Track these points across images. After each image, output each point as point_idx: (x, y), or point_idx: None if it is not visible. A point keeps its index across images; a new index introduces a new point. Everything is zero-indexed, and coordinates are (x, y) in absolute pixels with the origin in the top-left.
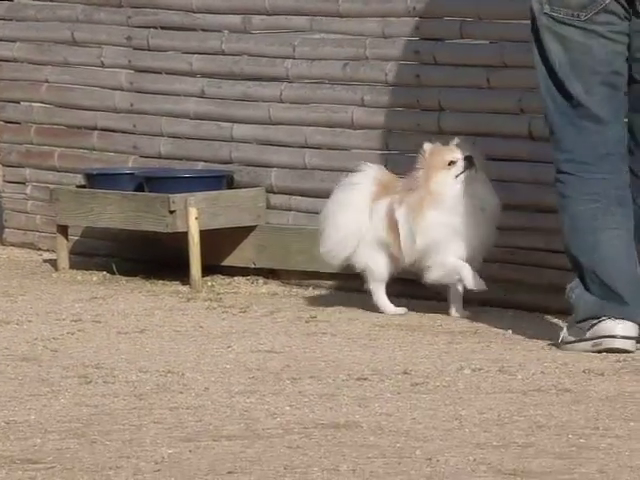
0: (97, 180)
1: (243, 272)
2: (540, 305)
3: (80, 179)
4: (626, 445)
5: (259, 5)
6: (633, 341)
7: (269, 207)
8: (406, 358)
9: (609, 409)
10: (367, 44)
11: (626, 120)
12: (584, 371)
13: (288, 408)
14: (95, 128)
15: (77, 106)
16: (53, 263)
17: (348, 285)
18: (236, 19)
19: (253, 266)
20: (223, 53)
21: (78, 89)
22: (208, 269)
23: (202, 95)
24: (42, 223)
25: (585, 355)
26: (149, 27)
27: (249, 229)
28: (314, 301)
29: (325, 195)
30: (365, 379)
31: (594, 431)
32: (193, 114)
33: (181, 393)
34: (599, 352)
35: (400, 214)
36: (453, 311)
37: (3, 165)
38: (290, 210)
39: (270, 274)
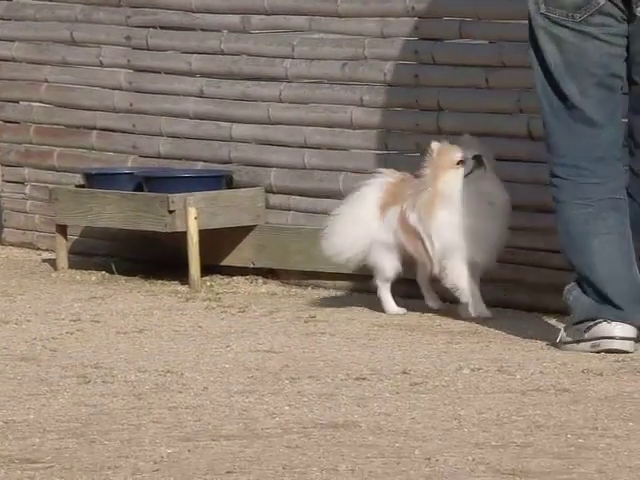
0: (96, 180)
1: (242, 272)
2: (539, 305)
3: (79, 179)
4: (625, 445)
5: (258, 5)
6: (632, 342)
7: (268, 207)
8: (405, 358)
9: (608, 409)
10: (366, 44)
11: (625, 120)
12: (583, 371)
13: (287, 408)
14: (94, 128)
15: (76, 106)
16: (52, 263)
17: (347, 285)
18: (235, 19)
19: (252, 266)
20: (222, 53)
21: (77, 89)
22: (207, 269)
23: (201, 95)
24: (41, 223)
25: (584, 355)
26: (148, 27)
27: (248, 229)
28: (313, 301)
29: (324, 195)
30: (364, 379)
31: (593, 431)
32: (192, 114)
33: (180, 393)
34: (598, 352)
35: (414, 219)
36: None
37: (2, 165)
38: (289, 210)
39: (269, 274)
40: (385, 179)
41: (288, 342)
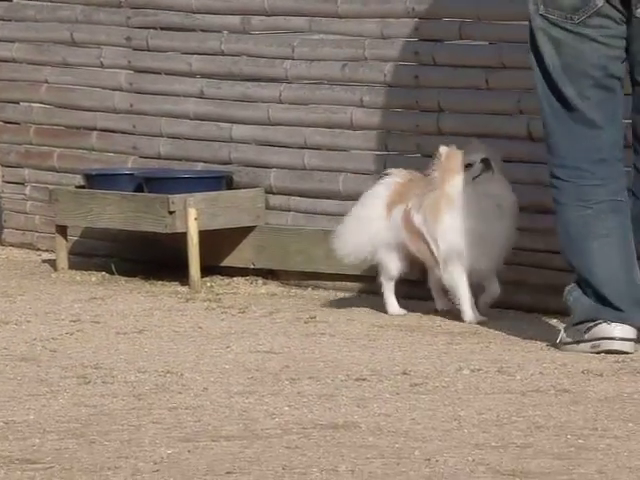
0: (96, 180)
1: (242, 272)
2: (540, 306)
3: (79, 179)
4: (625, 446)
5: (258, 6)
6: (632, 342)
7: (268, 208)
8: (405, 359)
9: (608, 410)
10: (366, 45)
11: (629, 121)
12: (583, 372)
13: (287, 408)
14: (94, 128)
15: (76, 106)
16: (52, 263)
17: (347, 286)
18: (235, 20)
19: (252, 266)
20: (222, 54)
21: (77, 89)
22: (207, 269)
23: (201, 96)
24: (41, 223)
25: (584, 356)
26: (148, 28)
27: (248, 229)
28: (313, 302)
29: (324, 196)
30: (364, 379)
31: (593, 432)
32: (192, 114)
33: (180, 393)
34: (598, 353)
35: (419, 220)
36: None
37: (2, 165)
38: (289, 211)
39: (269, 274)
40: (393, 179)
41: (288, 343)
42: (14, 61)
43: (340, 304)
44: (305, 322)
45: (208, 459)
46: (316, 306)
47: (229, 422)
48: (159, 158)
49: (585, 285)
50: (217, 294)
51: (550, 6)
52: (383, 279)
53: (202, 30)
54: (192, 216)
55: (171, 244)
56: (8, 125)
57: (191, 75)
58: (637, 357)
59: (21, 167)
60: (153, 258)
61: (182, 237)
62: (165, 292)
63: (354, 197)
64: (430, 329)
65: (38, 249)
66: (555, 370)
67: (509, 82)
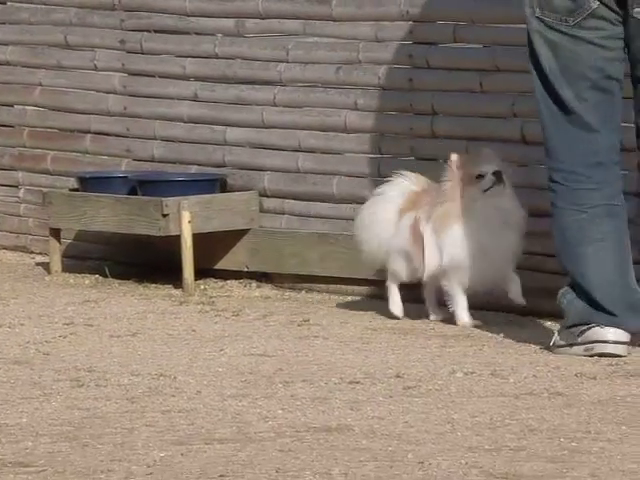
0: (90, 183)
1: (236, 275)
2: (533, 309)
3: (73, 182)
4: (618, 449)
5: (252, 9)
6: (625, 345)
7: (262, 210)
8: (398, 361)
9: (601, 413)
10: (360, 48)
11: (626, 124)
12: (576, 375)
13: (280, 411)
14: (88, 131)
15: (70, 109)
16: (46, 266)
17: (341, 289)
18: (229, 23)
19: (246, 269)
20: (216, 57)
21: (71, 92)
22: (201, 272)
23: (195, 98)
24: (35, 226)
25: (577, 359)
26: (142, 30)
27: (242, 232)
28: (307, 304)
29: (318, 199)
30: (357, 382)
31: (586, 435)
32: (186, 117)
33: (173, 396)
34: (591, 356)
35: (426, 229)
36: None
37: None
38: (283, 214)
39: (263, 277)
40: (408, 186)
41: (282, 346)
42: (8, 64)
43: (334, 307)
44: (299, 325)
45: (201, 462)
46: (310, 309)
47: (222, 425)
48: (153, 161)
49: (579, 289)
50: (211, 297)
51: (545, 9)
52: (390, 281)
53: (196, 33)
54: (186, 219)
55: (165, 247)
56: (2, 128)
57: (185, 78)
58: (630, 360)
59: (15, 170)
60: (147, 261)
61: (176, 240)
62: (159, 295)
63: (348, 200)
64: (423, 332)
65: (32, 252)
66: (548, 373)
67: (503, 85)
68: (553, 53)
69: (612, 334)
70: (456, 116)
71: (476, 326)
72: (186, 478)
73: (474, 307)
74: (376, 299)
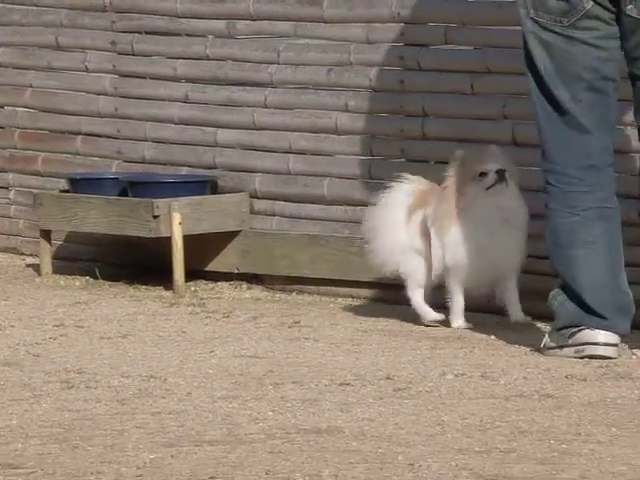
0: (81, 185)
1: (226, 277)
2: (524, 311)
3: (64, 184)
4: (608, 451)
5: (243, 10)
6: (615, 348)
7: (253, 212)
8: (389, 363)
9: (591, 415)
10: (351, 50)
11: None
12: (566, 377)
13: (270, 413)
14: (79, 133)
15: (61, 111)
16: (36, 268)
17: (332, 290)
18: (220, 24)
19: (237, 271)
20: (207, 58)
21: (62, 94)
22: (191, 274)
23: (186, 100)
24: (25, 228)
25: (567, 361)
26: (133, 32)
27: (233, 234)
28: (297, 306)
29: (309, 200)
30: (348, 384)
31: (576, 437)
32: (177, 119)
33: (163, 398)
34: (581, 358)
35: (432, 226)
36: (511, 315)
37: None
38: (274, 215)
39: (253, 279)
40: (415, 185)
41: (272, 347)
42: None
43: (324, 309)
44: (289, 327)
45: (191, 464)
46: (300, 311)
47: (212, 427)
48: (144, 162)
49: (569, 292)
50: (201, 299)
51: (539, 10)
52: (410, 290)
53: (187, 34)
54: (176, 220)
55: (155, 248)
56: None
57: (176, 79)
58: (620, 362)
59: (5, 171)
60: (137, 263)
61: (166, 241)
62: (149, 297)
63: (339, 202)
64: (414, 334)
65: (22, 253)
66: (539, 375)
67: (494, 87)
68: (548, 54)
69: (602, 336)
70: (447, 118)
71: (468, 329)
72: None
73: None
74: (367, 301)
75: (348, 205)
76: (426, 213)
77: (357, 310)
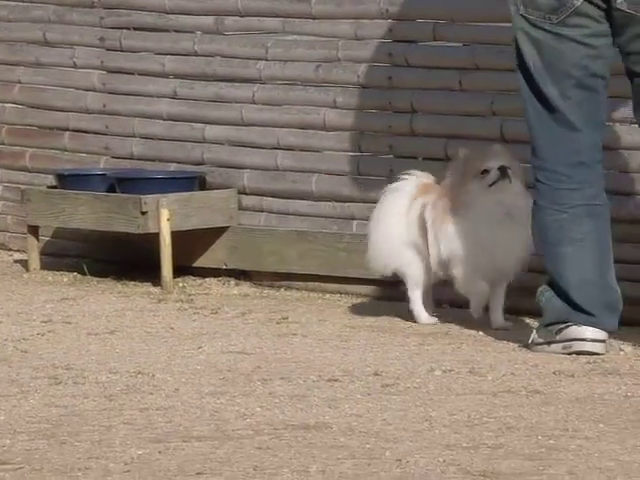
0: (68, 181)
1: (215, 273)
2: (512, 307)
3: (51, 180)
4: (595, 447)
5: (232, 6)
6: (603, 344)
7: (241, 208)
8: (377, 359)
9: (579, 411)
10: (340, 46)
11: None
12: (554, 373)
13: (258, 409)
14: (67, 129)
15: (49, 107)
16: (24, 264)
17: (320, 286)
18: (209, 20)
19: (225, 267)
20: (196, 54)
21: (50, 90)
22: (179, 270)
23: (174, 96)
24: (13, 223)
25: (555, 357)
26: (122, 28)
27: (221, 230)
28: (285, 302)
29: (297, 196)
30: (336, 380)
31: (564, 432)
32: (166, 115)
33: (151, 394)
34: (569, 354)
35: (429, 217)
36: (492, 321)
37: None
38: (262, 211)
39: (242, 275)
40: (419, 179)
41: (260, 343)
42: None
43: (312, 305)
44: (277, 323)
45: (179, 460)
46: (288, 307)
47: (200, 423)
48: (132, 158)
49: (557, 289)
50: (189, 295)
51: (529, 6)
52: (410, 291)
53: (175, 30)
54: (164, 217)
55: (143, 245)
56: None
57: (164, 75)
58: (608, 358)
59: None
60: (125, 259)
61: (154, 238)
62: (137, 293)
63: (327, 198)
64: (402, 330)
65: (10, 249)
66: (526, 371)
67: (482, 84)
68: (537, 51)
69: (590, 332)
70: (435, 114)
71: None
72: (164, 475)
73: (450, 305)
74: (355, 297)
75: (336, 201)
76: (425, 204)
77: (345, 306)
